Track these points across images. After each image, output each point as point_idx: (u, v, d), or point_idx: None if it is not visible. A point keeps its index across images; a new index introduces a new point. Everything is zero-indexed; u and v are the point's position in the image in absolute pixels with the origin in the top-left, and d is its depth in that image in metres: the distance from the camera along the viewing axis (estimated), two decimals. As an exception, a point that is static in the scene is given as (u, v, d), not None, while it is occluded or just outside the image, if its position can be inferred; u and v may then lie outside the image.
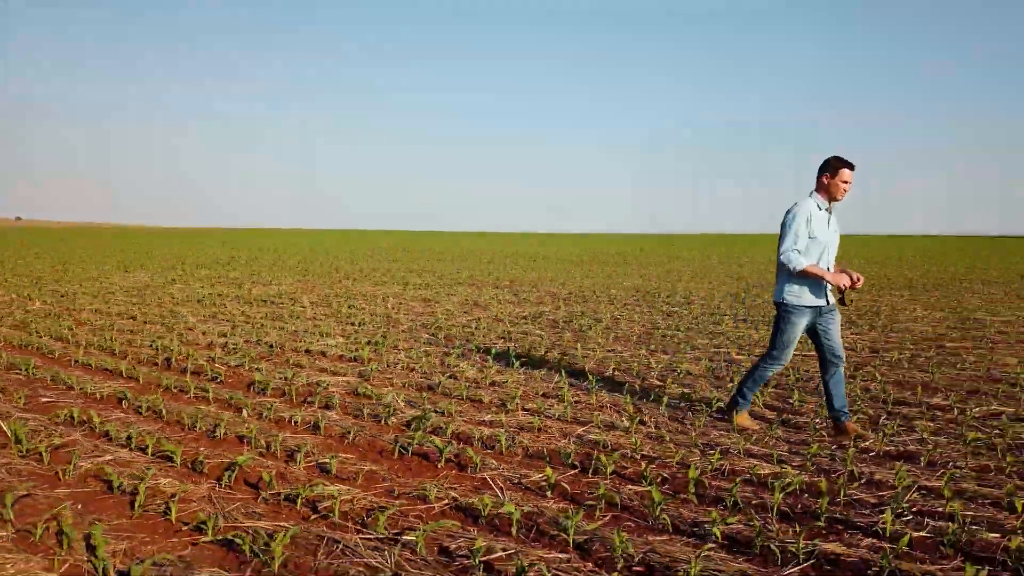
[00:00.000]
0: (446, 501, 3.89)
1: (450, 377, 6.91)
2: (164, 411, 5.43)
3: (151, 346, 8.27)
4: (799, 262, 4.95)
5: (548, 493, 4.05)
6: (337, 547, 3.28)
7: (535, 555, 3.25)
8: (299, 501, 3.79)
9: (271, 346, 8.43)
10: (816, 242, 5.01)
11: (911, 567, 3.18)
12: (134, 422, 5.22)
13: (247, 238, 73.18)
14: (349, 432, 5.03)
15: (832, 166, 4.99)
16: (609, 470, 4.35)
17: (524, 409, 5.78)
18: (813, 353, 8.28)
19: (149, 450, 4.51)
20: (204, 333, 9.32)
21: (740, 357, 8.16)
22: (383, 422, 5.36)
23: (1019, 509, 3.78)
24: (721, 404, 5.85)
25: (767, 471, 4.38)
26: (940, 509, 3.82)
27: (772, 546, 3.36)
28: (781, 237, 5.06)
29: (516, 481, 4.23)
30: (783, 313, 5.13)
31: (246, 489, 4.02)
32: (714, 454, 4.56)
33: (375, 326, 10.20)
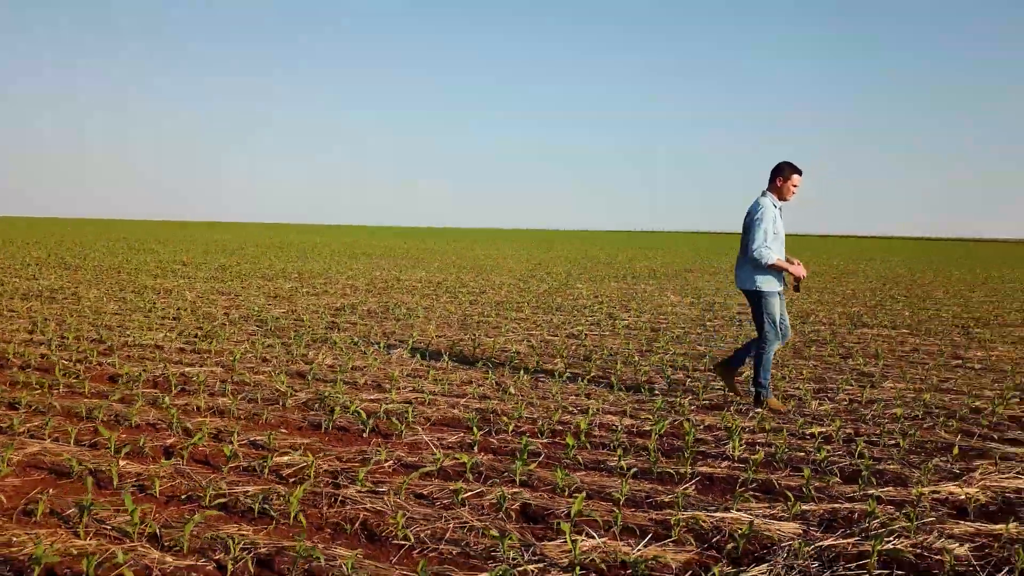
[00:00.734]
0: (392, 462, 4.45)
1: (308, 364, 7.24)
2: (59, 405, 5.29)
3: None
4: (770, 257, 5.68)
5: (474, 448, 4.76)
6: (336, 500, 3.75)
7: (499, 492, 3.96)
8: (266, 470, 4.15)
9: (100, 341, 8.09)
10: (777, 238, 5.79)
11: (761, 475, 4.36)
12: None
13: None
14: (259, 414, 5.32)
15: (785, 171, 5.76)
16: (510, 428, 5.16)
17: (403, 387, 6.38)
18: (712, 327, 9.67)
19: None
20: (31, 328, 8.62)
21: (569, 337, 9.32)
22: (283, 405, 5.68)
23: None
24: (568, 374, 6.88)
25: (628, 422, 5.45)
26: (762, 439, 5.12)
27: (667, 472, 4.38)
28: (750, 234, 5.75)
29: (439, 442, 4.88)
30: (760, 299, 5.81)
31: (208, 467, 4.27)
32: (587, 412, 5.54)
33: (193, 319, 10.01)
